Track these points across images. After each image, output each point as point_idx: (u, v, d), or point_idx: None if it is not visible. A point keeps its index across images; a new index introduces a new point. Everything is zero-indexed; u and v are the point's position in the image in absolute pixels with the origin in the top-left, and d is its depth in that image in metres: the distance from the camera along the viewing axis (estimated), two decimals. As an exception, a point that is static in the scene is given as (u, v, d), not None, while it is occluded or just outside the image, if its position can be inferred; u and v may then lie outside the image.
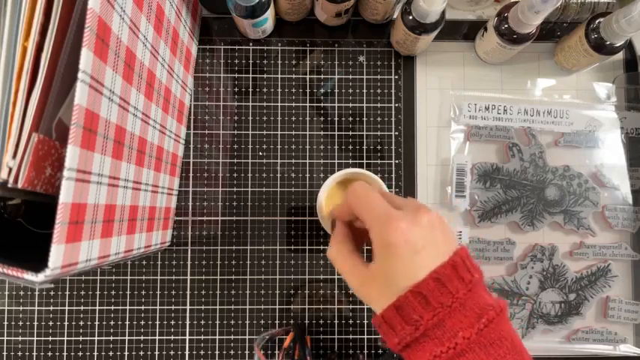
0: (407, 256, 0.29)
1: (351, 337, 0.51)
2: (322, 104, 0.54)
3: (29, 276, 0.26)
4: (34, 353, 0.50)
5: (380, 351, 0.51)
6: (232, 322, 0.51)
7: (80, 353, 0.50)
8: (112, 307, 0.51)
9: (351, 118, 0.54)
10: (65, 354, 0.50)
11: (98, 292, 0.51)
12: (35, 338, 0.50)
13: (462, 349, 0.28)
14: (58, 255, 0.27)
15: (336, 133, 0.53)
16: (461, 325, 0.28)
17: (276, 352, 0.51)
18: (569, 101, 0.54)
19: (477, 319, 0.28)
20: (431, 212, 0.31)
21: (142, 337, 0.51)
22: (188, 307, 0.51)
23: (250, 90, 0.54)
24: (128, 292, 0.51)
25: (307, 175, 0.53)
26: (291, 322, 0.51)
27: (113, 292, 0.51)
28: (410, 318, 0.29)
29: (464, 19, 0.55)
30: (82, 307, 0.51)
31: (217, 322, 0.51)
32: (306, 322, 0.51)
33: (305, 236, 0.52)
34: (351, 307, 0.52)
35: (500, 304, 0.29)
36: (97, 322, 0.51)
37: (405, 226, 0.30)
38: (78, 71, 0.27)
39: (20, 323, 0.50)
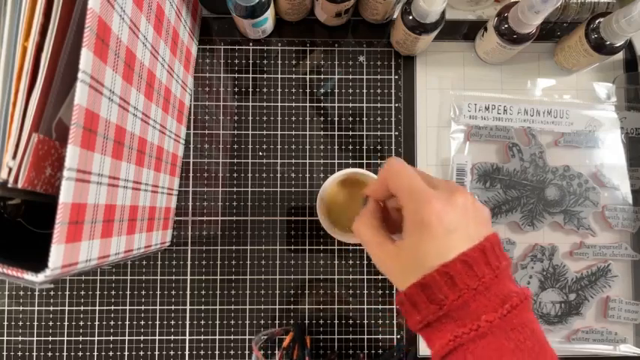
0: (439, 235, 0.29)
1: (351, 337, 0.51)
2: (322, 104, 0.54)
3: (29, 276, 0.26)
4: (34, 353, 0.50)
5: (380, 351, 0.51)
6: (232, 322, 0.51)
7: (80, 353, 0.50)
8: (112, 307, 0.51)
9: (351, 118, 0.54)
10: (65, 354, 0.50)
11: (98, 292, 0.51)
12: (35, 338, 0.50)
13: (483, 332, 0.28)
14: (58, 255, 0.27)
15: (336, 133, 0.53)
16: (485, 309, 0.28)
17: (276, 352, 0.51)
18: (569, 101, 0.54)
19: (500, 304, 0.28)
20: (467, 195, 0.31)
21: (142, 337, 0.51)
22: (188, 307, 0.51)
23: (250, 90, 0.54)
24: (128, 292, 0.51)
25: (307, 175, 0.53)
26: (291, 322, 0.51)
27: (113, 292, 0.51)
28: (435, 297, 0.29)
29: (464, 19, 0.55)
30: (82, 307, 0.51)
31: (217, 322, 0.51)
32: (306, 322, 0.51)
33: (305, 236, 0.52)
34: (351, 307, 0.52)
35: (525, 292, 0.29)
36: (97, 322, 0.51)
37: (440, 205, 0.30)
38: (78, 71, 0.27)
39: (20, 323, 0.50)
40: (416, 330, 0.30)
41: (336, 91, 0.54)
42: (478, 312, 0.28)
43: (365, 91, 0.54)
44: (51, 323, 0.50)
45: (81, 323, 0.51)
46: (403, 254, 0.31)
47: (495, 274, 0.29)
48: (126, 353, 0.51)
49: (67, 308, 0.51)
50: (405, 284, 0.30)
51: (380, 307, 0.52)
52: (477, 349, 0.28)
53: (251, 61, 0.54)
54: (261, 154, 0.53)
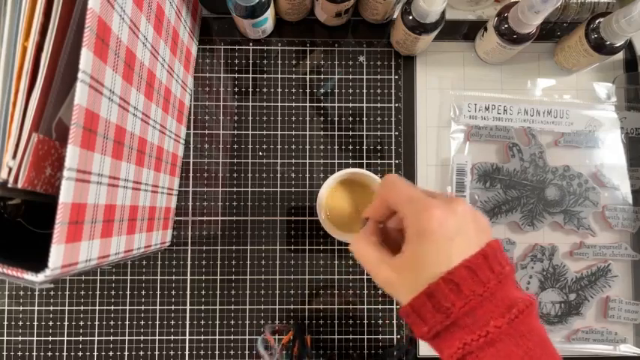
0: (441, 242, 0.29)
1: (351, 337, 0.51)
2: (322, 104, 0.54)
3: (29, 276, 0.26)
4: (34, 353, 0.50)
5: (380, 351, 0.51)
6: (232, 322, 0.51)
7: (80, 353, 0.50)
8: (112, 307, 0.51)
9: (351, 118, 0.54)
10: (65, 354, 0.50)
11: (98, 292, 0.51)
12: (35, 338, 0.50)
13: (492, 339, 0.27)
14: (58, 255, 0.27)
15: (336, 133, 0.53)
16: (492, 315, 0.28)
17: (276, 346, 0.51)
18: (569, 101, 0.54)
19: (507, 309, 0.28)
20: (465, 204, 0.31)
21: (142, 337, 0.51)
22: (188, 307, 0.51)
23: (250, 90, 0.54)
24: (128, 292, 0.51)
25: (307, 175, 0.53)
26: (291, 321, 0.51)
27: (113, 292, 0.51)
28: (441, 306, 0.28)
29: (464, 19, 0.55)
30: (82, 307, 0.51)
31: (217, 322, 0.51)
32: (306, 322, 0.51)
33: (305, 236, 0.52)
34: (351, 307, 0.52)
35: (530, 299, 0.29)
36: (97, 322, 0.51)
37: (440, 212, 0.30)
38: (78, 71, 0.27)
39: (20, 323, 0.50)
40: (425, 340, 0.30)
41: (336, 91, 0.54)
42: (486, 318, 0.28)
43: (365, 91, 0.54)
44: (51, 323, 0.50)
45: (81, 323, 0.51)
46: (406, 266, 0.31)
47: (499, 279, 0.29)
48: (126, 353, 0.50)
49: (67, 308, 0.51)
50: (410, 296, 0.30)
51: (380, 307, 0.52)
52: (486, 357, 0.27)
53: (251, 61, 0.54)
54: (261, 154, 0.53)
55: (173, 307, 0.51)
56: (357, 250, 0.35)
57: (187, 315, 0.51)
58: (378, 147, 0.53)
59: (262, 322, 0.51)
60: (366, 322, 0.52)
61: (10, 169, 0.28)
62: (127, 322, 0.51)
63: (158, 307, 0.51)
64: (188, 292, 0.51)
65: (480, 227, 0.31)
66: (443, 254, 0.29)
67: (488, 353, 0.27)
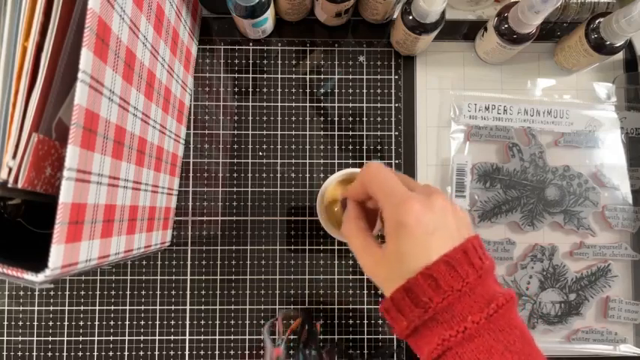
0: (419, 237, 0.29)
1: (351, 337, 0.51)
2: (322, 104, 0.54)
3: (29, 276, 0.26)
4: (34, 353, 0.50)
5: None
6: (232, 322, 0.51)
7: (80, 353, 0.50)
8: (112, 307, 0.51)
9: (351, 118, 0.54)
10: (65, 354, 0.50)
11: (98, 292, 0.51)
12: (35, 338, 0.50)
13: (470, 334, 0.27)
14: (58, 255, 0.27)
15: (336, 133, 0.53)
16: (470, 310, 0.28)
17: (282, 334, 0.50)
18: (569, 101, 0.54)
19: (486, 304, 0.28)
20: (444, 198, 0.31)
21: (142, 337, 0.51)
22: (188, 307, 0.51)
23: (250, 90, 0.54)
24: (128, 292, 0.51)
25: (307, 175, 0.53)
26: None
27: (113, 292, 0.51)
28: (419, 300, 0.28)
29: (464, 19, 0.55)
30: (82, 307, 0.51)
31: (217, 322, 0.51)
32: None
33: (305, 236, 0.52)
34: (350, 307, 0.52)
35: (510, 293, 0.29)
36: (97, 322, 0.51)
37: (419, 207, 0.30)
38: (78, 71, 0.27)
39: (20, 323, 0.50)
40: (403, 337, 0.30)
41: (336, 91, 0.54)
42: (464, 313, 0.28)
43: (365, 91, 0.54)
44: (51, 323, 0.50)
45: (81, 323, 0.51)
46: (387, 259, 0.31)
47: (479, 274, 0.29)
48: (126, 353, 0.50)
49: (67, 308, 0.51)
50: (390, 289, 0.30)
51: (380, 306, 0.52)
52: (465, 353, 0.27)
53: (251, 61, 0.54)
54: (261, 154, 0.53)
55: (173, 307, 0.51)
56: (345, 236, 0.35)
57: (187, 315, 0.51)
58: (378, 147, 0.53)
59: (262, 322, 0.51)
60: (366, 322, 0.52)
61: (10, 169, 0.28)
62: (127, 322, 0.51)
63: (158, 307, 0.51)
64: (188, 292, 0.51)
65: (461, 222, 0.31)
66: (421, 249, 0.29)
67: (467, 349, 0.27)
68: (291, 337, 0.47)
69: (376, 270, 0.32)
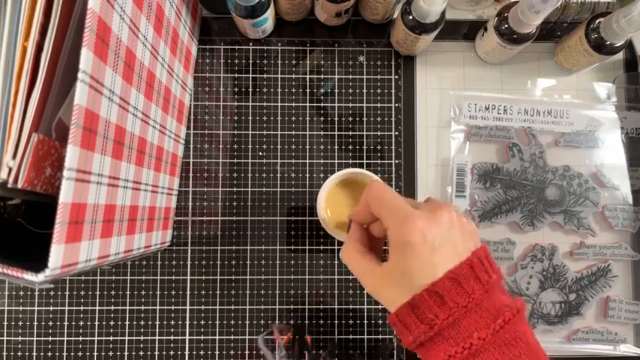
0: (424, 254, 0.29)
1: (351, 337, 0.51)
2: (322, 104, 0.54)
3: (29, 276, 0.26)
4: (34, 353, 0.50)
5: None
6: (232, 322, 0.51)
7: (80, 353, 0.50)
8: (112, 307, 0.51)
9: (351, 118, 0.54)
10: (65, 354, 0.50)
11: (98, 292, 0.51)
12: (35, 338, 0.50)
13: (476, 350, 0.27)
14: (57, 255, 0.27)
15: (336, 133, 0.53)
16: (476, 326, 0.28)
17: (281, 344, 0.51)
18: (569, 101, 0.54)
19: (492, 319, 0.28)
20: (451, 211, 0.31)
21: (141, 337, 0.51)
22: (188, 307, 0.51)
23: (250, 90, 0.54)
24: (128, 292, 0.51)
25: (307, 175, 0.53)
26: (291, 322, 0.51)
27: (113, 292, 0.51)
28: (425, 317, 0.28)
29: (464, 19, 0.55)
30: (82, 307, 0.51)
31: (217, 322, 0.51)
32: (306, 322, 0.51)
33: (305, 236, 0.52)
34: (351, 307, 0.52)
35: (517, 305, 0.29)
36: (97, 322, 0.51)
37: (423, 224, 0.30)
38: (78, 71, 0.27)
39: (20, 323, 0.50)
40: (411, 349, 0.30)
41: (336, 91, 0.54)
42: (470, 329, 0.28)
43: (365, 91, 0.54)
44: (51, 323, 0.50)
45: (81, 323, 0.51)
46: (391, 276, 0.31)
47: (485, 289, 0.29)
48: (126, 353, 0.50)
49: (67, 308, 0.51)
50: (396, 306, 0.30)
51: (380, 307, 0.52)
52: None
53: (251, 61, 0.54)
54: (261, 154, 0.53)
55: (173, 307, 0.51)
56: (345, 259, 0.35)
57: (187, 315, 0.51)
58: (378, 147, 0.53)
59: (262, 322, 0.51)
60: (366, 322, 0.52)
61: (10, 169, 0.28)
62: (127, 322, 0.51)
63: (158, 307, 0.51)
64: (188, 292, 0.51)
65: (467, 234, 0.31)
66: (427, 266, 0.29)
67: None
68: (285, 351, 0.47)
69: (379, 287, 0.32)
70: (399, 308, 0.30)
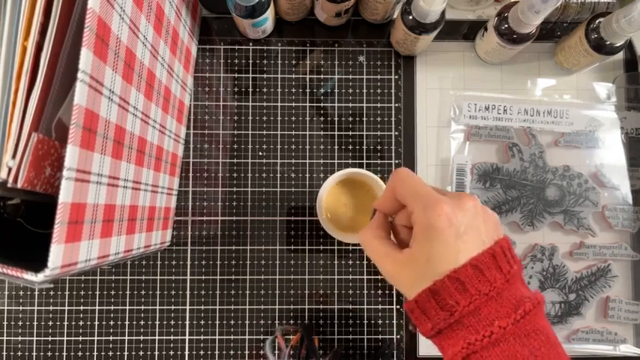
0: (449, 239, 0.29)
1: (351, 337, 0.51)
2: (322, 104, 0.54)
3: (29, 276, 0.26)
4: (34, 353, 0.50)
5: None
6: (232, 322, 0.51)
7: (80, 353, 0.50)
8: (112, 307, 0.51)
9: (351, 118, 0.54)
10: (65, 354, 0.50)
11: (98, 292, 0.51)
12: (35, 338, 0.50)
13: (496, 339, 0.27)
14: (57, 255, 0.27)
15: (336, 133, 0.53)
16: (497, 315, 0.28)
17: (285, 348, 0.51)
18: (569, 101, 0.54)
19: (513, 309, 0.28)
20: (475, 199, 0.31)
21: (141, 337, 0.51)
22: (188, 307, 0.51)
23: (250, 90, 0.54)
24: (128, 292, 0.51)
25: (307, 175, 0.53)
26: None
27: (113, 292, 0.51)
28: (445, 303, 0.28)
29: (464, 19, 0.55)
30: (82, 307, 0.51)
31: (217, 322, 0.51)
32: (305, 322, 0.51)
33: (305, 236, 0.52)
34: (351, 307, 0.52)
35: (537, 297, 0.29)
36: (96, 322, 0.51)
37: (450, 209, 0.29)
38: (78, 71, 0.27)
39: (20, 323, 0.50)
40: (428, 337, 0.30)
41: (336, 91, 0.54)
42: (490, 318, 0.28)
43: (365, 91, 0.54)
44: (51, 323, 0.50)
45: (81, 323, 0.51)
46: (412, 261, 0.30)
47: (507, 278, 0.29)
48: (126, 353, 0.50)
49: (66, 308, 0.51)
50: (415, 292, 0.30)
51: (380, 307, 0.52)
52: (490, 357, 0.27)
53: (251, 61, 0.54)
54: (261, 154, 0.53)
55: (173, 307, 0.51)
56: (363, 242, 0.35)
57: (187, 315, 0.51)
58: (378, 147, 0.53)
59: (262, 322, 0.51)
60: (366, 322, 0.52)
61: (10, 169, 0.28)
62: (127, 322, 0.51)
63: (158, 307, 0.51)
64: (188, 292, 0.51)
65: (490, 224, 0.31)
66: (450, 251, 0.29)
67: (492, 353, 0.27)
68: (292, 352, 0.47)
69: (399, 273, 0.31)
70: (419, 294, 0.29)
